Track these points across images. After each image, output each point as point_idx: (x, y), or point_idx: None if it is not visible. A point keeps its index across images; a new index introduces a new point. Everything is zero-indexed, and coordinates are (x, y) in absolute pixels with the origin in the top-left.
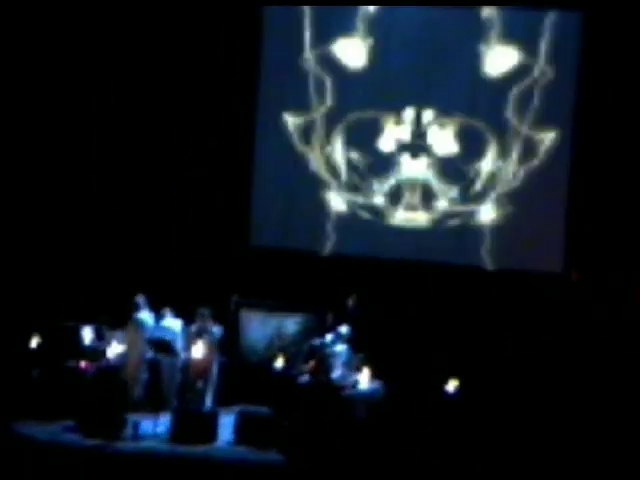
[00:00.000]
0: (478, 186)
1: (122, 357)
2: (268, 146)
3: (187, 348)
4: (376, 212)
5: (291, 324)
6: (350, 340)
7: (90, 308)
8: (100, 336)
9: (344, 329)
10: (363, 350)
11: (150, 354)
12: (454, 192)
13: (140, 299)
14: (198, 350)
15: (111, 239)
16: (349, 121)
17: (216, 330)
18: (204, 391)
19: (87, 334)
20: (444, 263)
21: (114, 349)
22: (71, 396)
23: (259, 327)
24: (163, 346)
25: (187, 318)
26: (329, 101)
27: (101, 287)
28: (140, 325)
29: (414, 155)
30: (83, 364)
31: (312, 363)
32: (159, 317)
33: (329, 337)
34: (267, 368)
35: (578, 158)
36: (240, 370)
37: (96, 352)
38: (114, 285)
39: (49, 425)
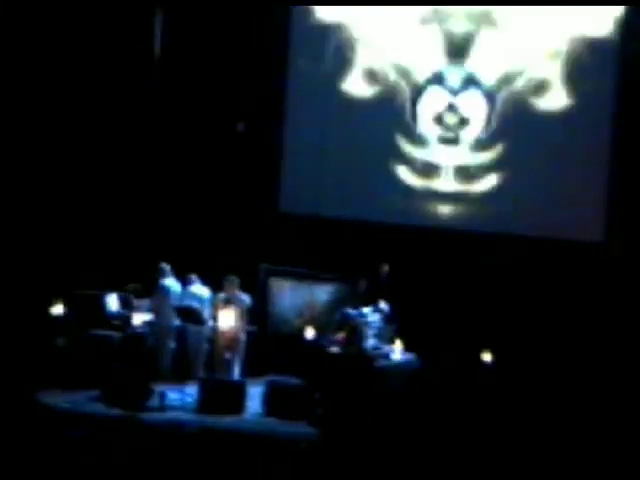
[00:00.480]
0: None
1: (148, 325)
2: (301, 104)
3: (215, 317)
4: (408, 179)
5: (322, 293)
6: (388, 316)
7: (116, 276)
8: (126, 304)
9: (383, 305)
10: (396, 321)
11: (177, 322)
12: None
13: (165, 266)
14: (226, 319)
15: (136, 205)
16: None
17: (245, 298)
18: (232, 361)
19: (112, 302)
20: (477, 231)
21: (140, 317)
22: (96, 365)
23: (289, 296)
24: (190, 314)
25: (215, 286)
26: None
27: (127, 254)
28: (166, 292)
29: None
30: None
31: (344, 333)
32: (186, 284)
33: (366, 311)
34: (297, 338)
35: (622, 122)
36: (269, 340)
37: (122, 320)
38: (140, 252)
39: (73, 395)
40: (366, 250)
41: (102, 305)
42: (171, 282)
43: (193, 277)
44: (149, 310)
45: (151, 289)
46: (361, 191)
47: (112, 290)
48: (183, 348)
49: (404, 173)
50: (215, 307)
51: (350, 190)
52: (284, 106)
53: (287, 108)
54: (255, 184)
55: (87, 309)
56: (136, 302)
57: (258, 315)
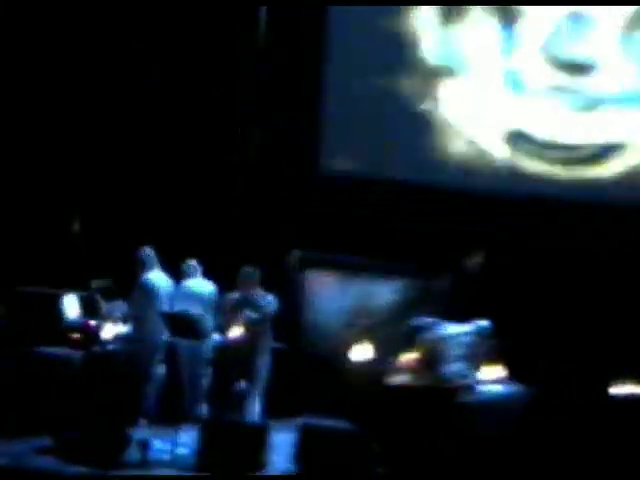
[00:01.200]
0: None
1: (123, 340)
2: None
3: (223, 327)
4: None
5: (384, 293)
6: (483, 329)
7: (76, 268)
8: (90, 308)
9: (484, 323)
10: (494, 335)
11: (165, 336)
12: None
13: (148, 252)
14: (239, 331)
15: (108, 168)
16: None
17: (268, 301)
18: (248, 394)
19: (71, 306)
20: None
21: (111, 328)
22: (46, 399)
23: (334, 297)
24: (186, 324)
25: (224, 282)
26: None
27: (93, 236)
28: (150, 291)
29: None
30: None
31: (416, 354)
32: (180, 279)
33: (455, 328)
34: (346, 360)
35: None
36: (304, 362)
37: (84, 332)
38: (112, 233)
39: (13, 444)
40: (450, 231)
41: (56, 310)
42: (157, 276)
43: (192, 266)
44: (124, 318)
45: (128, 287)
46: (435, 146)
47: (71, 288)
48: (175, 374)
49: None
50: (224, 313)
51: (422, 144)
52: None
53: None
54: (286, 141)
55: (34, 315)
56: (105, 306)
57: (288, 326)
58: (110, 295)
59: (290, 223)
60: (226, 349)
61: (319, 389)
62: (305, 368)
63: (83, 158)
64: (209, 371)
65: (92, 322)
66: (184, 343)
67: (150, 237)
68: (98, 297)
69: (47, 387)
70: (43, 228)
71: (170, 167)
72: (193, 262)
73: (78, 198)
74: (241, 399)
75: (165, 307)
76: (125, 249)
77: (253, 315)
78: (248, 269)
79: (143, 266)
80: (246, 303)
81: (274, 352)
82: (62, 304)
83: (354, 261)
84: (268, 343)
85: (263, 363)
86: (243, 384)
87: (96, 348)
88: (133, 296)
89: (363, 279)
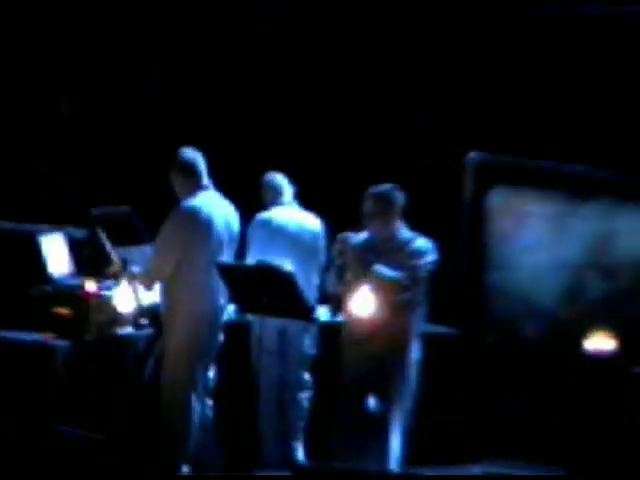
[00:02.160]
0: None
1: (154, 322)
2: None
3: (339, 299)
4: None
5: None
6: None
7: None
8: (91, 260)
9: None
10: None
11: (232, 312)
12: None
13: (196, 158)
14: (370, 305)
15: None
16: None
17: (422, 251)
18: (384, 420)
19: (55, 254)
20: None
21: (129, 297)
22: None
23: (544, 239)
24: (274, 289)
25: (336, 211)
26: None
27: (94, 134)
28: (202, 228)
29: None
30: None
31: None
32: (259, 205)
33: None
34: (573, 355)
35: None
36: (487, 359)
37: (79, 304)
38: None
39: None
40: None
41: (30, 262)
42: (211, 199)
43: (278, 183)
44: (151, 276)
45: (156, 218)
46: None
47: (55, 223)
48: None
49: None
50: (338, 271)
51: None
52: None
53: None
54: None
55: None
56: (118, 254)
57: (458, 295)
58: (126, 234)
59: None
60: (346, 340)
61: (518, 410)
62: (488, 371)
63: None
64: (310, 381)
65: (91, 285)
66: (267, 325)
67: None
68: (104, 238)
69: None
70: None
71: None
72: (279, 176)
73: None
74: (371, 430)
75: (224, 257)
76: (149, 152)
77: (392, 274)
78: (384, 190)
79: (190, 183)
80: (380, 253)
81: (429, 342)
82: (40, 251)
83: (578, 175)
84: (419, 326)
85: (412, 364)
86: (374, 402)
87: (97, 334)
88: (168, 235)
89: (596, 205)
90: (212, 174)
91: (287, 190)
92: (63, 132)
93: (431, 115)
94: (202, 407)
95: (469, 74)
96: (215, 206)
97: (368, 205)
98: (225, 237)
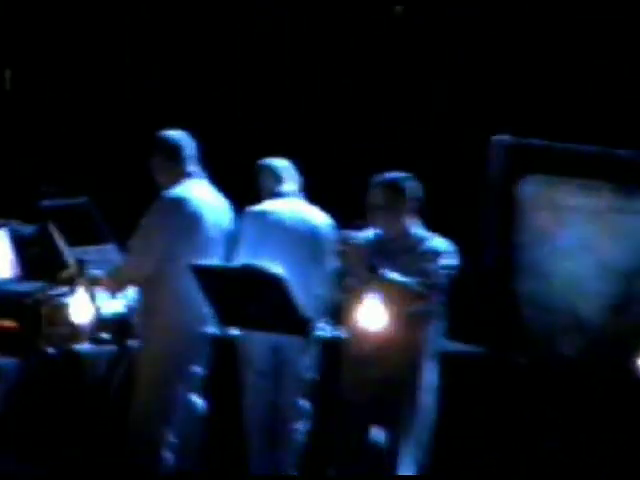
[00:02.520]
0: None
1: (117, 333)
2: None
3: (343, 309)
4: None
5: None
6: None
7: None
8: (41, 259)
9: None
10: None
11: (211, 325)
12: None
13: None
14: (381, 317)
15: None
16: None
17: (440, 252)
18: (394, 452)
19: None
20: None
21: (84, 305)
22: None
23: (588, 238)
24: (264, 298)
25: (344, 209)
26: None
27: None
28: (190, 220)
29: None
30: None
31: None
32: (257, 197)
33: None
34: (614, 373)
35: None
36: (522, 382)
37: (25, 313)
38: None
39: None
40: None
41: None
42: (194, 188)
43: (279, 169)
44: (116, 280)
45: (121, 206)
46: None
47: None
48: (232, 411)
49: None
50: (346, 275)
51: None
52: None
53: None
54: None
55: None
56: (72, 252)
57: (484, 305)
58: (83, 230)
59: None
60: (346, 360)
61: (557, 446)
62: (520, 397)
63: None
64: (308, 409)
65: (41, 290)
66: (258, 341)
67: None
68: (56, 235)
69: None
70: None
71: None
72: (280, 161)
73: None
74: (376, 468)
75: (213, 257)
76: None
77: (403, 280)
78: (393, 178)
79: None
80: (389, 254)
81: (449, 361)
82: None
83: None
84: (436, 343)
85: (427, 388)
86: (379, 433)
87: (48, 351)
88: (148, 229)
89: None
90: (210, 171)
91: (290, 179)
92: (4, 104)
93: (449, 92)
94: (179, 443)
95: (495, 43)
96: (204, 197)
97: (374, 195)
98: (215, 234)
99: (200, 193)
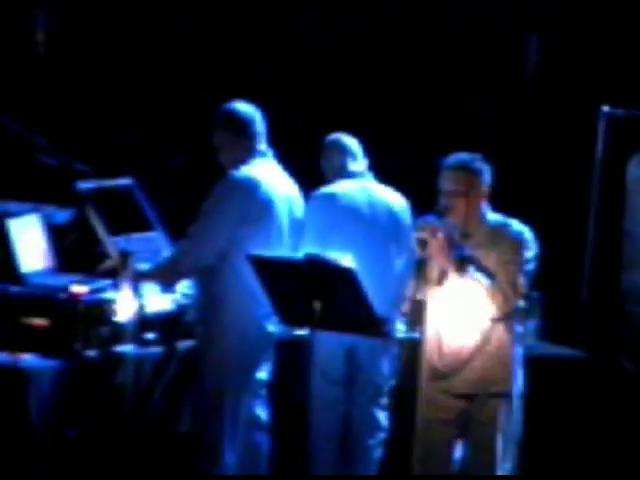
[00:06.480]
0: None
1: (169, 334)
2: None
3: (412, 320)
4: None
5: None
6: None
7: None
8: (78, 247)
9: None
10: None
11: (276, 325)
12: None
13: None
14: (461, 319)
15: None
16: None
17: (523, 242)
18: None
19: (30, 243)
20: None
21: (129, 300)
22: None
23: None
24: (335, 291)
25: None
26: None
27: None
28: (259, 208)
29: None
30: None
31: None
32: (323, 178)
33: None
34: None
35: None
36: (621, 384)
37: (65, 310)
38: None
39: None
40: None
41: (1, 249)
42: (273, 171)
43: (346, 148)
44: (167, 274)
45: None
46: None
47: (26, 202)
48: (296, 421)
49: None
50: (420, 269)
51: None
52: None
53: None
54: None
55: None
56: (115, 242)
57: (589, 307)
58: (126, 216)
59: None
60: (424, 370)
61: None
62: (627, 409)
63: None
64: (386, 422)
65: (79, 285)
66: (328, 343)
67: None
68: (96, 221)
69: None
70: None
71: None
72: (349, 138)
73: None
74: None
75: (283, 248)
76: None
77: (488, 280)
78: (466, 161)
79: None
80: (473, 245)
81: (542, 367)
82: (8, 239)
83: None
84: (523, 347)
85: (514, 401)
86: (465, 450)
87: (86, 353)
88: (213, 213)
89: None
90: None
91: (360, 157)
92: (38, 73)
93: (543, 55)
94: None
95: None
96: (275, 180)
97: (449, 180)
98: (286, 223)
99: (271, 175)
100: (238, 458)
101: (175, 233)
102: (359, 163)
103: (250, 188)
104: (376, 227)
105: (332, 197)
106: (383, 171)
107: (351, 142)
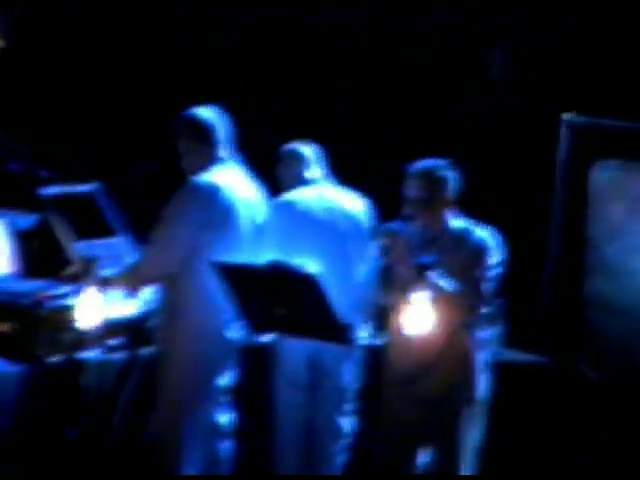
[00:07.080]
0: None
1: (132, 340)
2: None
3: (388, 310)
4: None
5: None
6: None
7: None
8: (42, 252)
9: None
10: None
11: (238, 330)
12: None
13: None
14: (427, 319)
15: None
16: None
17: (485, 246)
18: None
19: None
20: None
21: (94, 304)
22: None
23: None
24: (299, 299)
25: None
26: None
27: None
28: (223, 214)
29: None
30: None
31: None
32: (283, 186)
33: None
34: None
35: None
36: (584, 392)
37: (29, 314)
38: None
39: None
40: None
41: None
42: (234, 177)
43: (304, 155)
44: (131, 279)
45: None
46: None
47: None
48: (263, 426)
49: None
50: (385, 274)
51: None
52: None
53: None
54: None
55: None
56: (79, 246)
57: (552, 313)
58: (89, 221)
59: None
60: (387, 376)
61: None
62: (589, 418)
63: None
64: (350, 427)
65: (42, 289)
66: (292, 349)
67: None
68: (60, 226)
69: None
70: None
71: None
72: (304, 146)
73: None
74: None
75: (245, 254)
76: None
77: (449, 286)
78: (432, 167)
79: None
80: (436, 252)
81: (505, 373)
82: None
83: None
84: (485, 353)
85: (476, 405)
86: (428, 454)
87: (49, 359)
88: (175, 220)
89: None
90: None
91: (316, 164)
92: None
93: (508, 62)
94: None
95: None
96: (237, 186)
97: (413, 187)
98: (248, 228)
99: (232, 181)
100: (200, 466)
101: (147, 238)
102: (314, 170)
103: (211, 194)
104: (334, 233)
105: (290, 204)
106: (358, 176)
107: (305, 150)
